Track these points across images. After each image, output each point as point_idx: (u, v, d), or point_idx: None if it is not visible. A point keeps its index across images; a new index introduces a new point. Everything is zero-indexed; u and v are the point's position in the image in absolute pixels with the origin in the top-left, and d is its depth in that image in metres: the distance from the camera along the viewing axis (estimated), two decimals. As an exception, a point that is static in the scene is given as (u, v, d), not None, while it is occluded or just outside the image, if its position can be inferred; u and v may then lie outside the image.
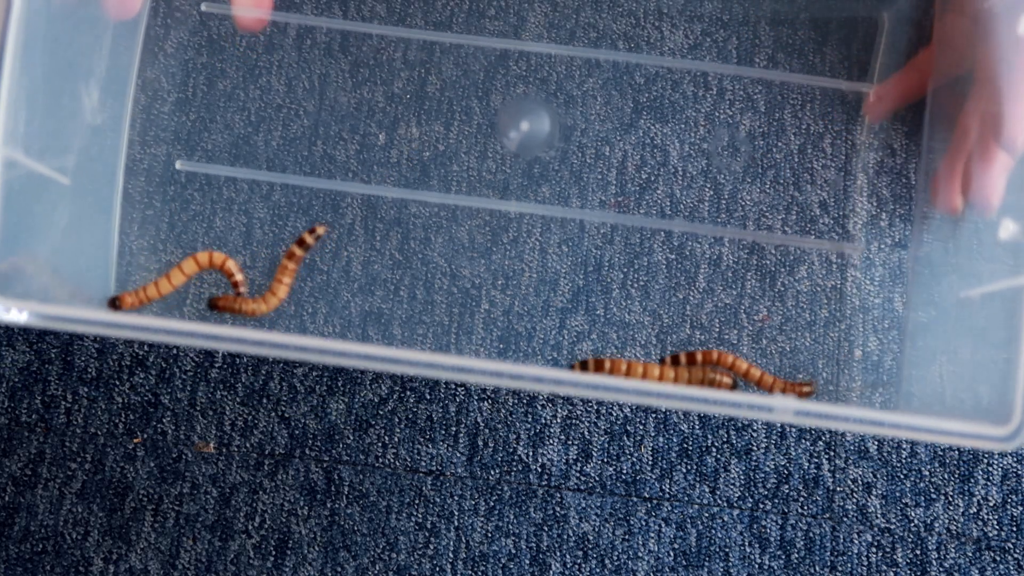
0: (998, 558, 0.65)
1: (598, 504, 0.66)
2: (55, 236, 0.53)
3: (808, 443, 0.66)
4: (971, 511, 0.66)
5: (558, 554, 0.65)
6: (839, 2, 0.65)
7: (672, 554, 0.65)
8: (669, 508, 0.66)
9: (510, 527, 0.65)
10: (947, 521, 0.65)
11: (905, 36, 0.63)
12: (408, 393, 0.66)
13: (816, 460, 0.66)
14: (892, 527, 0.65)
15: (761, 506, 0.65)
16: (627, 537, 0.65)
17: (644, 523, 0.65)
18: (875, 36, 0.64)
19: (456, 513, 0.66)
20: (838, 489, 0.66)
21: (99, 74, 0.57)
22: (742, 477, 0.66)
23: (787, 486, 0.66)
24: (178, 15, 0.63)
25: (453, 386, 0.66)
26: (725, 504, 0.66)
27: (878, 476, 0.66)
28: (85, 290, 0.59)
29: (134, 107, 0.62)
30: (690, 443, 0.66)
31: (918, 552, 0.65)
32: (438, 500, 0.66)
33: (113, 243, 0.61)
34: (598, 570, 0.65)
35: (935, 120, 0.60)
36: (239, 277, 0.61)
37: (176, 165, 0.62)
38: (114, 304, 0.60)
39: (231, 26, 0.64)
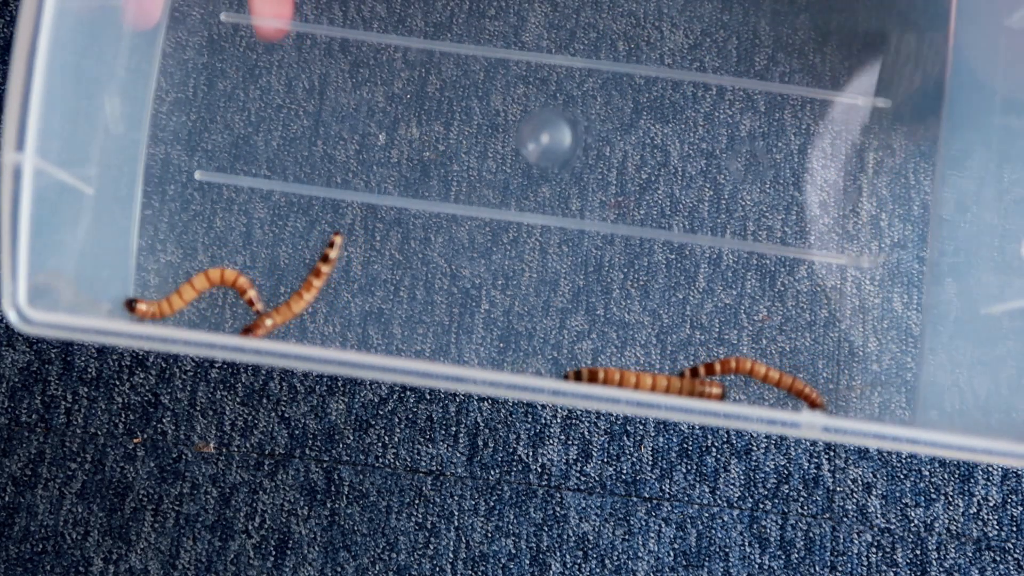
0: (998, 558, 0.65)
1: (598, 504, 0.66)
2: (77, 246, 0.53)
3: (808, 443, 0.66)
4: (971, 511, 0.66)
5: (558, 554, 0.65)
6: (848, 17, 0.65)
7: (672, 554, 0.65)
8: (669, 508, 0.66)
9: (510, 527, 0.65)
10: (947, 521, 0.65)
11: (914, 48, 0.63)
12: (408, 393, 0.66)
13: (816, 460, 0.66)
14: (892, 527, 0.65)
15: (761, 506, 0.66)
16: (627, 537, 0.65)
17: (644, 523, 0.65)
18: (876, 39, 0.64)
19: (456, 513, 0.66)
20: (838, 489, 0.66)
21: (120, 83, 0.57)
22: (742, 477, 0.66)
23: (787, 486, 0.66)
24: (196, 25, 0.63)
25: (453, 386, 0.66)
26: (725, 504, 0.66)
27: (878, 476, 0.66)
28: (106, 300, 0.58)
29: (153, 115, 0.62)
30: (690, 443, 0.66)
31: (918, 552, 0.65)
32: (438, 500, 0.66)
33: (132, 251, 0.61)
34: (598, 570, 0.65)
35: (954, 126, 0.60)
36: (252, 293, 0.61)
37: (196, 176, 0.62)
38: (131, 306, 0.59)
39: (230, 26, 0.64)
